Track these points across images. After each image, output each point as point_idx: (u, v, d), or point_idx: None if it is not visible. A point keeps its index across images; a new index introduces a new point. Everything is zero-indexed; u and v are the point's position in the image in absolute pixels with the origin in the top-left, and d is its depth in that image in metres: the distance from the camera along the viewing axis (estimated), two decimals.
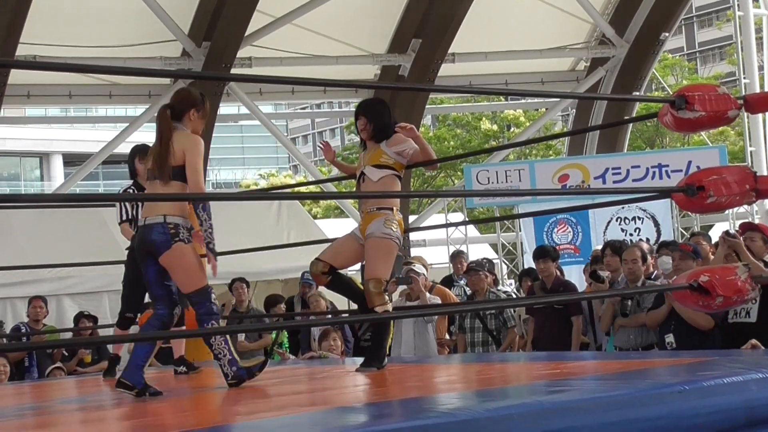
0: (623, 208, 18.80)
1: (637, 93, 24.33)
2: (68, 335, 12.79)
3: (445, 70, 23.18)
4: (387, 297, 7.41)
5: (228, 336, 7.06)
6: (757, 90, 20.85)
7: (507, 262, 22.49)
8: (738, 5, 21.97)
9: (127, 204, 8.87)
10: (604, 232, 19.21)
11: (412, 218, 25.16)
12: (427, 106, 25.10)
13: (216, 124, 22.32)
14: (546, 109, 27.97)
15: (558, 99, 25.35)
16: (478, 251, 21.63)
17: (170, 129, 6.87)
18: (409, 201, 26.18)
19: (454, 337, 12.51)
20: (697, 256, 9.57)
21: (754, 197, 6.14)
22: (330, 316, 12.10)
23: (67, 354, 12.35)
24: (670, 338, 9.35)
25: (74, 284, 14.88)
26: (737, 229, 9.29)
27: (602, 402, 4.75)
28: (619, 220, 19.35)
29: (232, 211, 16.16)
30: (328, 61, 22.46)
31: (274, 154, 72.19)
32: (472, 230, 23.82)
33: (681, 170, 18.47)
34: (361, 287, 7.63)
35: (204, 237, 7.07)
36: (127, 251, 8.72)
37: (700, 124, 6.18)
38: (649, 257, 10.51)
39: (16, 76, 20.12)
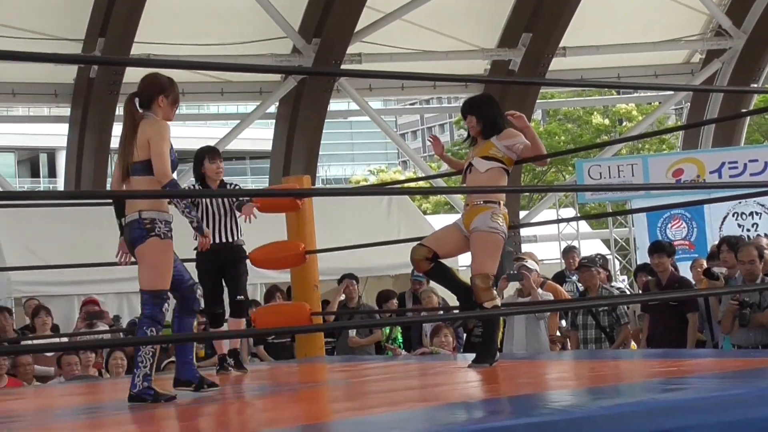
0: (740, 203, 18.48)
1: (755, 85, 23.93)
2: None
3: (556, 64, 23.04)
4: (496, 293, 7.37)
5: (156, 352, 6.80)
6: None
7: (620, 258, 22.27)
8: None
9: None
10: (720, 228, 18.91)
11: (522, 214, 25.05)
12: (537, 101, 24.99)
13: (326, 120, 22.42)
14: (659, 102, 27.67)
15: (672, 92, 25.07)
16: (590, 247, 21.42)
17: (134, 123, 6.66)
18: (520, 196, 26.06)
19: (567, 333, 12.43)
20: None
21: None
22: (441, 312, 12.06)
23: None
24: None
25: None
26: None
27: (720, 401, 4.68)
28: (735, 215, 19.02)
29: (342, 207, 16.22)
30: (438, 57, 22.45)
31: (383, 149, 72.36)
32: (583, 226, 23.64)
33: None
34: (463, 280, 7.61)
35: (188, 218, 7.07)
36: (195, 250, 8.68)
37: None
38: (767, 253, 10.23)
39: (131, 74, 20.41)
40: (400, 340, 13.14)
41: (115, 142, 22.21)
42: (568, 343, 12.34)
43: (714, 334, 11.12)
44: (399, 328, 13.15)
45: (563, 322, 12.76)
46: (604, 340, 11.73)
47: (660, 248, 11.65)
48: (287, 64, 21.47)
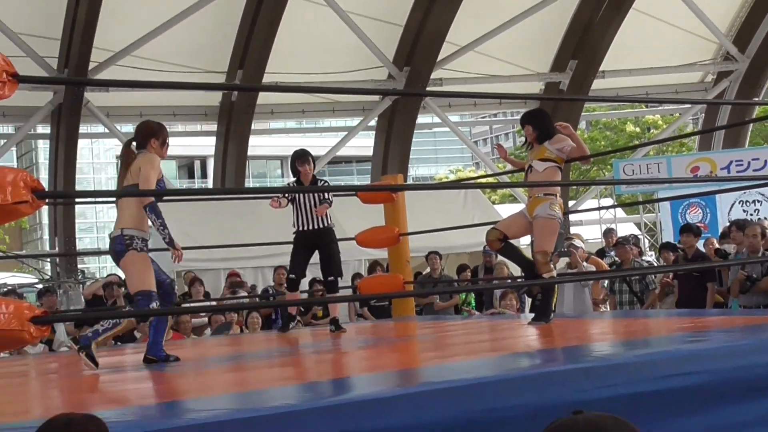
0: (745, 193, 18.32)
1: (757, 99, 23.64)
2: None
3: (597, 84, 22.90)
4: (552, 266, 7.34)
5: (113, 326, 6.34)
6: None
7: (648, 238, 22.02)
8: None
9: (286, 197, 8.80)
10: (729, 213, 18.71)
11: (571, 203, 24.93)
12: (582, 114, 24.81)
13: (415, 131, 22.44)
14: (680, 114, 27.36)
15: (689, 105, 24.91)
16: (625, 229, 21.24)
17: (129, 159, 6.47)
18: (569, 189, 25.88)
19: (606, 296, 12.32)
20: None
21: None
22: (509, 280, 12.02)
23: (303, 310, 12.56)
24: None
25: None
26: None
27: (730, 350, 4.61)
28: (741, 203, 18.83)
29: (428, 199, 16.23)
30: (502, 80, 22.36)
31: (460, 153, 72.08)
32: (620, 212, 23.50)
33: None
34: (528, 257, 7.59)
35: (161, 235, 6.53)
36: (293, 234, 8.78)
37: None
38: None
39: (262, 98, 20.61)
40: (473, 304, 13.10)
41: (252, 151, 22.19)
42: (608, 305, 12.23)
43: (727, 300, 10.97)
44: (473, 294, 13.13)
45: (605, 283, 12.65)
46: (635, 302, 11.62)
47: (689, 229, 11.48)
48: (384, 88, 21.59)
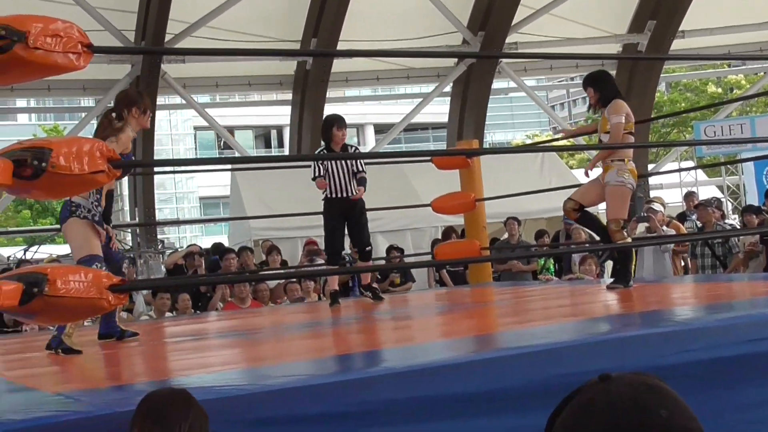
0: None
1: None
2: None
3: (676, 44, 22.43)
4: (625, 232, 7.25)
5: None
6: None
7: (731, 201, 21.66)
8: None
9: (319, 163, 8.64)
10: None
11: (650, 166, 24.56)
12: (661, 75, 24.36)
13: (490, 96, 22.30)
14: (764, 73, 26.70)
15: None
16: (707, 192, 20.90)
17: (101, 135, 6.07)
18: (648, 151, 25.47)
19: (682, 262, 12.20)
20: None
21: None
22: (587, 245, 11.91)
23: (380, 277, 12.61)
24: None
25: (384, 224, 15.18)
26: None
27: None
28: None
29: (506, 164, 16.16)
30: (579, 42, 22.04)
31: (537, 119, 71.45)
32: (701, 175, 23.13)
33: None
34: (603, 223, 7.53)
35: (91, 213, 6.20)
36: (323, 202, 8.64)
37: None
38: None
39: (337, 65, 20.64)
40: (552, 270, 13.04)
41: (321, 120, 22.35)
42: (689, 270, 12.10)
43: None
44: (552, 259, 13.06)
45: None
46: (718, 266, 11.46)
47: None
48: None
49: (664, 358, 3.98)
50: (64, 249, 22.28)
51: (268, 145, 58.88)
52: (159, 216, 32.47)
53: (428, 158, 9.89)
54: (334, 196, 8.52)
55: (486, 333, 5.05)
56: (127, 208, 22.50)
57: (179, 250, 15.66)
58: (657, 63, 22.57)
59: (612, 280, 7.75)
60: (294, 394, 3.40)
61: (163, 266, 16.18)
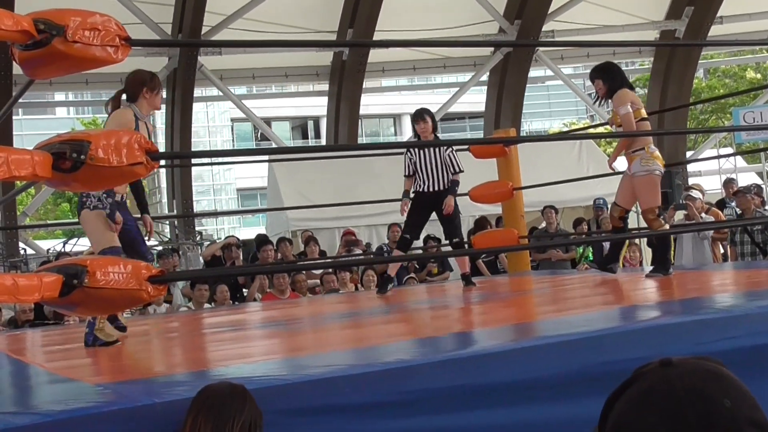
0: None
1: None
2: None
3: (715, 30, 22.21)
4: (663, 220, 7.19)
5: None
6: None
7: None
8: None
9: (411, 161, 8.62)
10: None
11: (689, 153, 24.36)
12: (699, 61, 24.13)
13: (527, 84, 22.20)
14: None
15: None
16: (747, 179, 20.70)
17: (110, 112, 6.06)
18: (686, 138, 25.24)
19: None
20: None
21: None
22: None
23: (418, 267, 12.60)
24: None
25: None
26: None
27: None
28: None
29: (543, 152, 16.10)
30: (616, 30, 21.88)
31: (574, 107, 70.97)
32: (740, 162, 22.86)
33: None
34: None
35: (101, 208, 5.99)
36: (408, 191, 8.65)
37: None
38: None
39: (373, 56, 20.63)
40: (591, 258, 12.97)
41: (364, 110, 22.22)
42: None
43: None
44: (590, 247, 12.99)
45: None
46: (758, 253, 11.34)
47: None
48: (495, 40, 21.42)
49: (704, 345, 3.95)
50: None
51: (305, 136, 58.99)
52: (197, 208, 32.65)
53: (465, 147, 9.85)
54: (421, 189, 8.56)
55: (526, 321, 5.03)
56: (165, 200, 22.65)
57: (217, 241, 15.73)
58: (695, 49, 22.37)
59: (652, 268, 7.71)
60: (334, 384, 3.40)
61: (201, 258, 16.26)
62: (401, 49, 21.27)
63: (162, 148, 18.47)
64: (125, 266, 3.39)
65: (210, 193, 60.91)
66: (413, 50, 21.44)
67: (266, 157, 16.23)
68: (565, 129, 53.04)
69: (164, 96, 20.40)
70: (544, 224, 13.35)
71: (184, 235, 18.56)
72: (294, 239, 14.14)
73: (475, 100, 31.05)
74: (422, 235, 13.29)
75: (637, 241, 12.36)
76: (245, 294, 11.65)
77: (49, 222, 31.65)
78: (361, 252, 12.98)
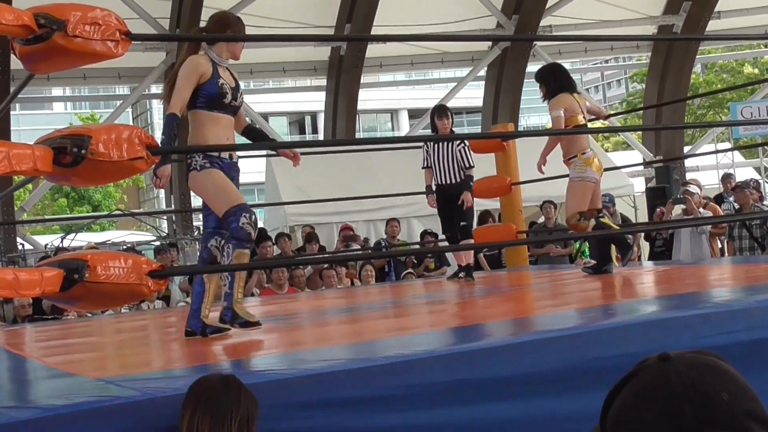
0: None
1: None
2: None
3: (712, 25, 22.22)
4: (585, 221, 7.42)
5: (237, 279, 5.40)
6: None
7: None
8: None
9: (428, 154, 8.82)
10: None
11: (686, 148, 24.37)
12: (697, 57, 24.14)
13: (525, 80, 22.20)
14: None
15: None
16: (744, 174, 20.71)
17: (180, 61, 5.41)
18: (684, 133, 25.26)
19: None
20: None
21: None
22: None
23: (416, 262, 12.61)
24: None
25: (420, 209, 15.11)
26: None
27: None
28: None
29: (541, 147, 16.05)
30: (614, 25, 21.88)
31: None
32: (738, 157, 22.91)
33: None
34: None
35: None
36: (430, 185, 8.87)
37: None
38: None
39: (371, 51, 20.63)
40: (587, 253, 12.97)
41: (361, 105, 22.18)
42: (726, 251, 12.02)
43: None
44: (587, 242, 12.99)
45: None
46: (756, 248, 11.35)
47: None
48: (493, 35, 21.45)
49: (703, 339, 3.96)
50: (101, 237, 22.48)
51: (302, 132, 58.93)
52: (194, 203, 32.63)
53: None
54: (439, 182, 8.78)
55: (524, 316, 5.04)
56: (162, 195, 22.64)
57: None
58: (692, 44, 22.37)
59: (592, 263, 8.01)
60: (333, 378, 3.41)
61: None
62: (399, 44, 21.26)
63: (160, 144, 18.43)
64: (126, 261, 3.40)
65: None
66: (411, 45, 21.44)
67: (265, 152, 16.23)
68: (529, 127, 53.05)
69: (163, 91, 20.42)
70: (542, 219, 13.36)
71: (182, 230, 18.55)
72: (292, 234, 14.15)
73: (473, 95, 31.05)
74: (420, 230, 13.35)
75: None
76: None
77: (47, 217, 31.62)
78: (359, 247, 12.99)
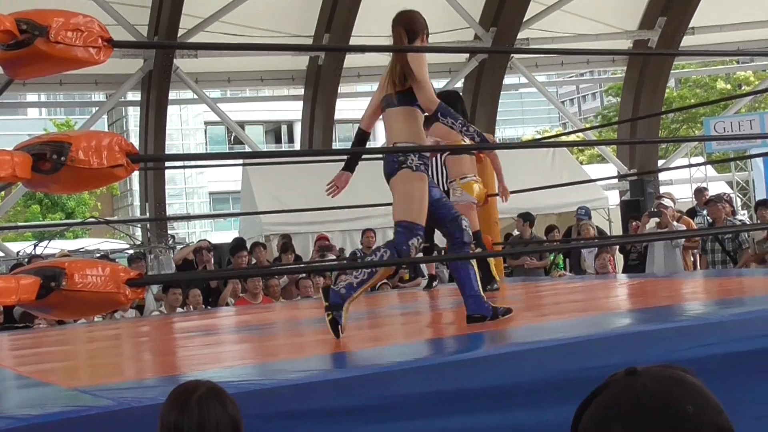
0: None
1: None
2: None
3: (687, 41, 22.39)
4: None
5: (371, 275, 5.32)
6: None
7: (741, 196, 21.63)
8: None
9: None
10: None
11: (660, 162, 24.53)
12: (671, 71, 24.32)
13: (502, 92, 22.29)
14: None
15: None
16: (717, 188, 20.88)
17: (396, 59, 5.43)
18: (658, 147, 25.42)
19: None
20: None
21: None
22: (597, 240, 11.89)
23: (391, 273, 12.59)
24: None
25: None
26: None
27: None
28: None
29: (517, 159, 16.13)
30: (590, 39, 22.01)
31: (547, 114, 71.39)
32: (711, 171, 23.05)
33: None
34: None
35: (466, 135, 5.48)
36: None
37: None
38: None
39: (349, 61, 20.63)
40: (561, 265, 13.02)
41: (338, 115, 22.16)
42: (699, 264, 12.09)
43: None
44: (561, 254, 13.04)
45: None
46: (728, 261, 11.43)
47: None
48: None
49: (679, 352, 3.98)
50: (74, 244, 22.33)
51: (278, 141, 58.88)
52: (169, 211, 32.51)
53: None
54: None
55: (501, 328, 5.04)
56: (137, 203, 22.54)
57: (189, 245, 15.67)
58: (667, 59, 22.55)
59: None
60: (311, 389, 3.40)
61: (173, 261, 16.19)
62: (377, 54, 21.29)
63: None
64: (103, 269, 3.37)
65: (182, 197, 60.68)
66: (389, 55, 21.43)
67: (242, 161, 16.21)
68: (539, 136, 53.34)
69: (140, 98, 20.35)
70: (516, 231, 13.39)
71: (157, 238, 18.47)
72: (268, 243, 14.11)
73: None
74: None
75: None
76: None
77: (20, 224, 31.41)
78: (334, 257, 12.96)
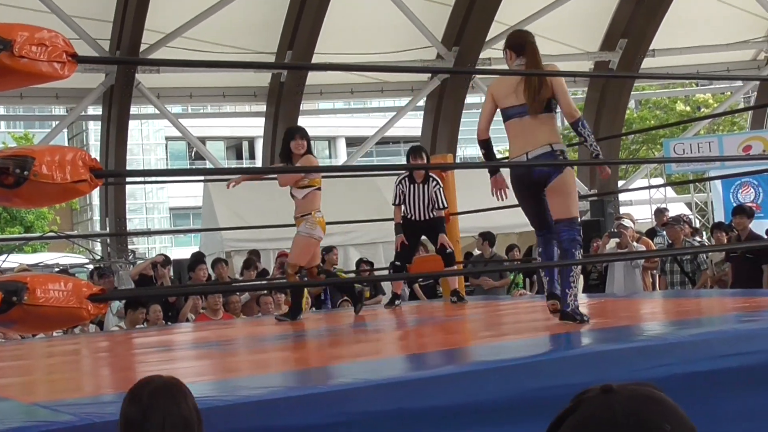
0: None
1: None
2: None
3: (647, 63, 22.66)
4: (297, 276, 8.04)
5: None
6: None
7: (699, 218, 21.85)
8: None
9: (402, 193, 8.80)
10: None
11: (620, 182, 24.76)
12: (632, 93, 24.58)
13: (464, 111, 22.39)
14: (731, 93, 27.02)
15: (741, 83, 24.59)
16: (676, 209, 21.07)
17: (537, 61, 6.02)
18: (618, 168, 25.67)
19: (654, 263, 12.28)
20: None
21: None
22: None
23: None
24: None
25: (357, 237, 15.20)
26: None
27: None
28: None
29: (478, 180, 16.15)
30: (551, 59, 21.65)
31: None
32: (670, 192, 23.30)
33: None
34: None
35: (591, 149, 5.85)
36: (400, 223, 8.84)
37: None
38: None
39: (312, 78, 20.64)
40: (521, 284, 13.06)
41: None
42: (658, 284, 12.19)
43: None
44: (521, 274, 13.09)
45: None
46: (687, 282, 11.55)
47: (742, 210, 11.40)
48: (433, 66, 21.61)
49: (640, 372, 4.01)
50: (33, 258, 22.12)
51: (239, 157, 58.77)
52: (129, 226, 32.31)
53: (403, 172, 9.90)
54: (410, 218, 8.79)
55: (462, 346, 5.06)
56: (97, 217, 22.39)
57: (144, 260, 15.57)
58: (628, 81, 22.78)
59: (283, 313, 8.57)
60: (273, 406, 3.39)
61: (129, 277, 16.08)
62: (340, 72, 21.33)
63: None
64: (66, 284, 3.36)
65: (142, 212, 60.35)
66: (351, 74, 21.51)
67: (203, 177, 16.15)
68: (499, 155, 53.62)
69: (101, 112, 20.24)
70: (476, 250, 13.43)
71: (117, 253, 18.34)
72: (229, 259, 14.05)
73: (412, 124, 31.26)
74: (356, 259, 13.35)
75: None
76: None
77: None
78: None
